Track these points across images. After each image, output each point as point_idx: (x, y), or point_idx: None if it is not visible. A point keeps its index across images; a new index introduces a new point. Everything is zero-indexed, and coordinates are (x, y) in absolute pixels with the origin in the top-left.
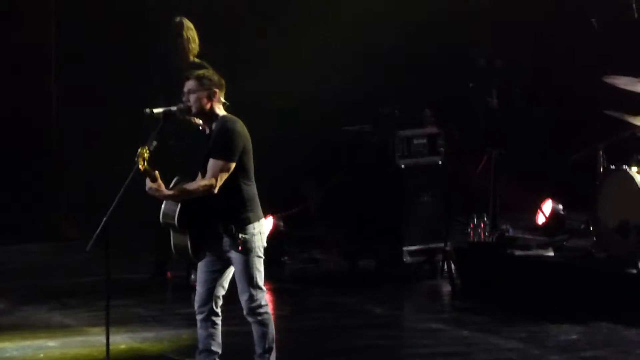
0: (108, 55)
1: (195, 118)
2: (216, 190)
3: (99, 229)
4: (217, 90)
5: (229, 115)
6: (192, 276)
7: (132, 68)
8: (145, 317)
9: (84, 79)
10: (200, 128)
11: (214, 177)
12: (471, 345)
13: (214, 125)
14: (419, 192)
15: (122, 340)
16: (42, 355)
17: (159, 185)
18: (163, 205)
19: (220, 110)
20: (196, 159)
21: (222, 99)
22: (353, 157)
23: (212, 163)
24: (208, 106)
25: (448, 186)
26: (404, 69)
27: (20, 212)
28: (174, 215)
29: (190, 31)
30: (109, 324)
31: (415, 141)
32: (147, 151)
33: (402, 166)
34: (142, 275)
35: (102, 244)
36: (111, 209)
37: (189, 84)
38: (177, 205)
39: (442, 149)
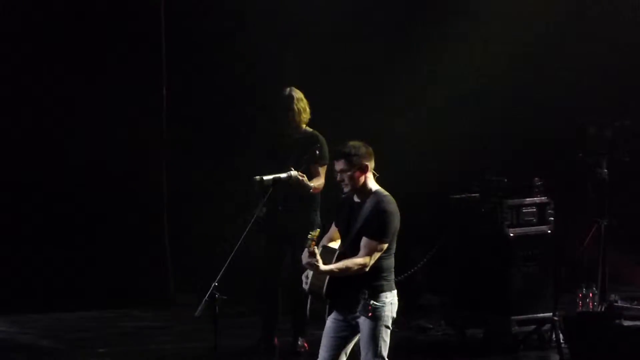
0: (216, 124)
1: (307, 182)
2: (367, 269)
3: (207, 294)
4: (367, 163)
5: (383, 193)
6: (299, 342)
7: (240, 138)
8: None
9: (191, 145)
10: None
11: (368, 256)
12: None
13: (364, 198)
14: (527, 262)
15: None
16: None
17: (317, 262)
18: (311, 275)
19: (373, 183)
20: (341, 225)
21: (372, 169)
22: (461, 224)
23: (366, 242)
24: (362, 181)
25: (557, 256)
26: (511, 137)
27: (130, 276)
28: (323, 286)
29: (301, 102)
30: None
31: (524, 210)
32: (318, 233)
33: (511, 235)
34: (250, 340)
35: (211, 310)
36: (220, 274)
37: (340, 164)
38: (326, 277)
39: (551, 219)
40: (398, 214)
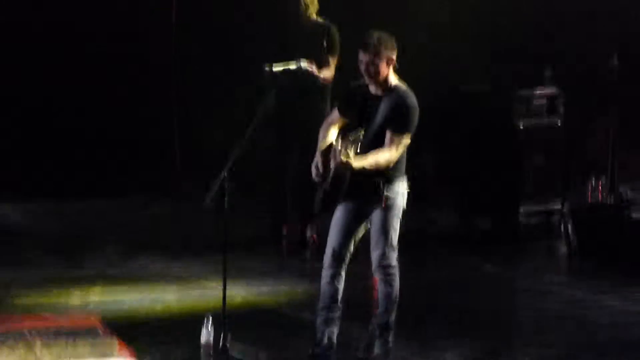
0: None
1: (317, 72)
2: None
3: (217, 183)
4: (393, 56)
5: (404, 87)
6: (308, 232)
7: (251, 27)
8: (261, 271)
9: (200, 46)
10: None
11: (395, 150)
12: (586, 307)
13: (383, 91)
14: (537, 153)
15: (238, 294)
16: (159, 307)
17: (351, 159)
18: (333, 172)
19: (393, 77)
20: (355, 115)
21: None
22: (471, 115)
23: (393, 137)
24: (386, 73)
25: (566, 147)
26: (523, 28)
27: (138, 167)
28: (346, 181)
29: None
30: (225, 276)
31: (534, 101)
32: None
33: (521, 126)
34: (259, 230)
35: (219, 199)
36: (229, 164)
37: (367, 55)
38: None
39: (561, 110)
40: (419, 108)
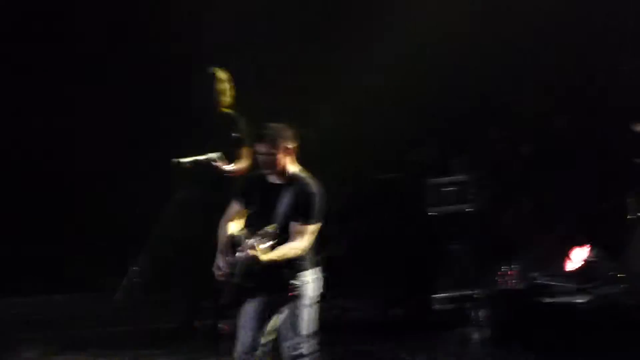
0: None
1: (224, 165)
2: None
3: (125, 278)
4: (291, 145)
5: (304, 176)
6: (220, 325)
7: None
8: None
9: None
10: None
11: (305, 240)
12: None
13: (283, 180)
14: (449, 240)
15: None
16: None
17: (258, 254)
18: (239, 265)
19: (293, 167)
20: (254, 204)
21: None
22: (383, 204)
23: (302, 228)
24: (285, 163)
25: (478, 234)
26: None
27: (45, 262)
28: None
29: (223, 83)
30: None
31: (444, 189)
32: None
33: (431, 213)
34: (170, 324)
35: (129, 293)
36: (140, 257)
37: (263, 147)
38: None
39: (472, 197)
40: (323, 194)
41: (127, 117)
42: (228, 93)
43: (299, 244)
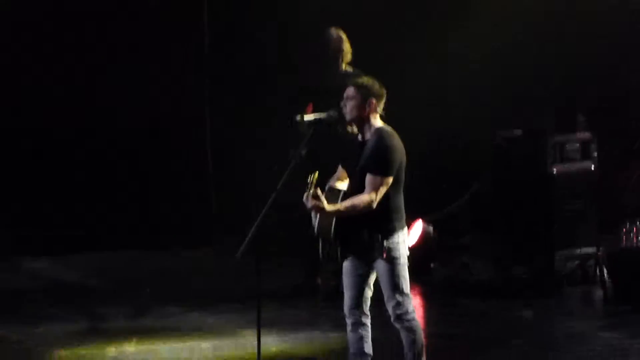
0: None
1: (351, 126)
2: (375, 206)
3: (249, 235)
4: (374, 99)
5: (386, 128)
6: (318, 280)
7: (283, 80)
8: (295, 320)
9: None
10: (358, 137)
11: (373, 191)
12: (623, 351)
13: (368, 135)
14: (571, 198)
15: (273, 343)
16: (196, 357)
17: (322, 203)
18: (317, 219)
19: (377, 120)
20: (348, 165)
21: (380, 109)
22: (505, 162)
23: (370, 179)
24: (365, 114)
25: (601, 192)
26: (558, 72)
27: (173, 218)
28: (330, 229)
29: (344, 42)
30: (260, 326)
31: (567, 146)
32: (317, 176)
33: (554, 172)
34: (292, 280)
35: (252, 251)
36: (261, 215)
37: (348, 92)
38: (333, 220)
39: (595, 154)
40: (400, 148)
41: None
42: (349, 49)
43: (365, 197)
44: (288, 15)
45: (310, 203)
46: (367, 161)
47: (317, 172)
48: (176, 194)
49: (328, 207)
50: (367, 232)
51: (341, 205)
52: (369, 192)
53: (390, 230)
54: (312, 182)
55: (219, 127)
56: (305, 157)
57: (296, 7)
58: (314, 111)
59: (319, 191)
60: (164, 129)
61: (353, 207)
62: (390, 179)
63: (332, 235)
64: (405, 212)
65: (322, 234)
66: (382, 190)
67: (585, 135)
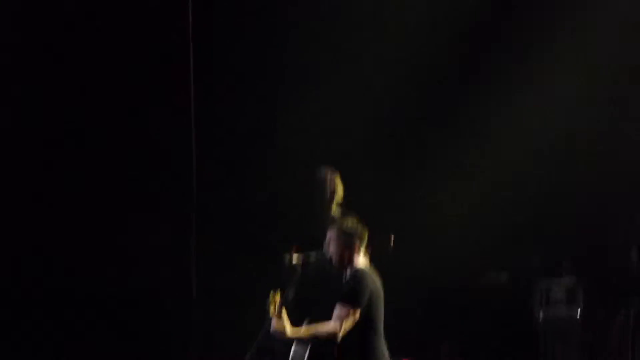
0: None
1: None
2: (339, 337)
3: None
4: (357, 242)
5: (362, 269)
6: None
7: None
8: None
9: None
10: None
11: (338, 322)
12: None
13: (348, 274)
14: (555, 344)
15: None
16: None
17: (284, 327)
18: (293, 347)
19: (358, 260)
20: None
21: (362, 251)
22: (490, 304)
23: (337, 308)
24: (347, 256)
25: (585, 339)
26: (547, 219)
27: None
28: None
29: (337, 184)
30: None
31: (553, 291)
32: (278, 295)
33: (541, 316)
34: None
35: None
36: (253, 349)
37: (331, 233)
38: (307, 351)
39: (580, 302)
40: (373, 284)
41: None
42: (340, 191)
43: (329, 325)
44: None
45: (273, 324)
46: (340, 295)
47: (279, 290)
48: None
49: (290, 330)
50: None
51: (304, 331)
52: (334, 321)
53: None
54: (272, 302)
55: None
56: (292, 298)
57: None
58: (298, 251)
59: (284, 312)
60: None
61: (316, 334)
62: (358, 312)
63: None
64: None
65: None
66: (348, 321)
67: (572, 280)
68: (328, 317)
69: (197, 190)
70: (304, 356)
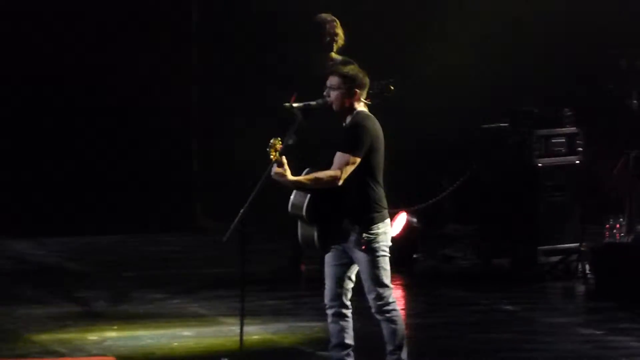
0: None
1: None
2: (340, 183)
3: (236, 220)
4: (358, 89)
5: (364, 111)
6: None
7: (270, 73)
8: (278, 308)
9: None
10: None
11: (338, 169)
12: (603, 347)
13: (348, 120)
14: (555, 192)
15: (255, 331)
16: (176, 344)
17: (285, 171)
18: (292, 196)
19: (358, 106)
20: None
21: (363, 98)
22: (490, 154)
23: (338, 155)
24: (347, 104)
25: (585, 186)
26: (546, 67)
27: (157, 202)
28: (302, 207)
29: (337, 27)
30: (243, 314)
31: (553, 140)
32: (279, 142)
33: (539, 165)
34: (276, 267)
35: (238, 236)
36: (249, 200)
37: (331, 80)
38: (306, 197)
39: (580, 149)
40: (375, 130)
41: None
42: (341, 36)
43: (330, 171)
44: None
45: (273, 170)
46: (340, 141)
47: (279, 138)
48: (159, 177)
49: (290, 176)
50: (346, 222)
51: (304, 177)
52: (334, 169)
53: (369, 221)
54: (273, 147)
55: (205, 108)
56: (292, 145)
57: None
58: (296, 101)
59: (284, 159)
60: (149, 108)
61: (316, 181)
62: (358, 159)
63: (304, 213)
64: (389, 202)
65: (294, 211)
66: (348, 168)
67: (571, 129)
68: (328, 166)
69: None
70: (304, 203)
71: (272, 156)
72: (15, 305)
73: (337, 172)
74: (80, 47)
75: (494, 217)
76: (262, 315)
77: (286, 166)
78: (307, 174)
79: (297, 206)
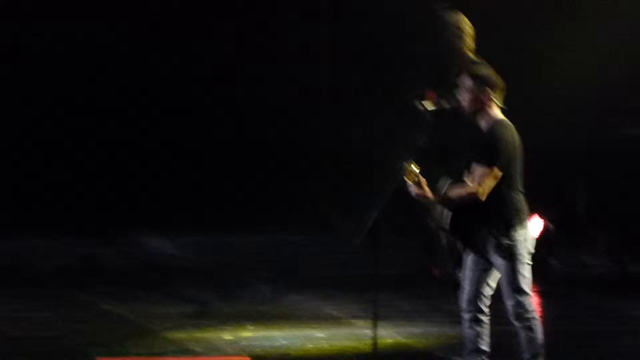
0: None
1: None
2: (483, 198)
3: (369, 222)
4: (490, 90)
5: (502, 120)
6: (459, 272)
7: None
8: (411, 312)
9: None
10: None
11: (478, 183)
12: None
13: (484, 126)
14: None
15: (388, 335)
16: (310, 345)
17: (426, 192)
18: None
19: (494, 112)
20: (466, 157)
21: (498, 101)
22: (628, 160)
23: (475, 168)
24: (480, 106)
25: None
26: None
27: (286, 202)
28: (447, 219)
29: (467, 26)
30: (377, 317)
31: None
32: (413, 165)
33: None
34: (409, 270)
35: (371, 238)
36: (382, 203)
37: (464, 81)
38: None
39: None
40: (513, 141)
41: None
42: (473, 36)
43: (470, 186)
44: None
45: (414, 191)
46: (477, 151)
47: (413, 160)
48: (287, 174)
49: (432, 196)
50: (485, 229)
51: (446, 195)
52: (473, 182)
53: (509, 228)
54: (408, 171)
55: (333, 106)
56: (423, 146)
57: None
58: (431, 98)
59: (422, 179)
60: (278, 108)
61: (458, 196)
62: (498, 171)
63: (447, 225)
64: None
65: (440, 223)
66: (488, 182)
67: None
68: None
69: None
70: (444, 214)
71: (409, 180)
72: (149, 303)
73: (477, 188)
74: None
75: (630, 223)
76: (395, 318)
77: (425, 186)
78: (447, 187)
79: (443, 219)
